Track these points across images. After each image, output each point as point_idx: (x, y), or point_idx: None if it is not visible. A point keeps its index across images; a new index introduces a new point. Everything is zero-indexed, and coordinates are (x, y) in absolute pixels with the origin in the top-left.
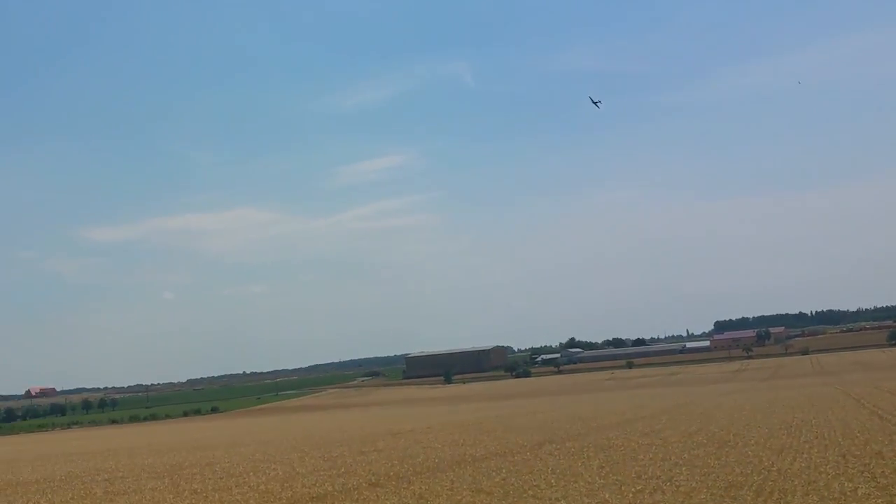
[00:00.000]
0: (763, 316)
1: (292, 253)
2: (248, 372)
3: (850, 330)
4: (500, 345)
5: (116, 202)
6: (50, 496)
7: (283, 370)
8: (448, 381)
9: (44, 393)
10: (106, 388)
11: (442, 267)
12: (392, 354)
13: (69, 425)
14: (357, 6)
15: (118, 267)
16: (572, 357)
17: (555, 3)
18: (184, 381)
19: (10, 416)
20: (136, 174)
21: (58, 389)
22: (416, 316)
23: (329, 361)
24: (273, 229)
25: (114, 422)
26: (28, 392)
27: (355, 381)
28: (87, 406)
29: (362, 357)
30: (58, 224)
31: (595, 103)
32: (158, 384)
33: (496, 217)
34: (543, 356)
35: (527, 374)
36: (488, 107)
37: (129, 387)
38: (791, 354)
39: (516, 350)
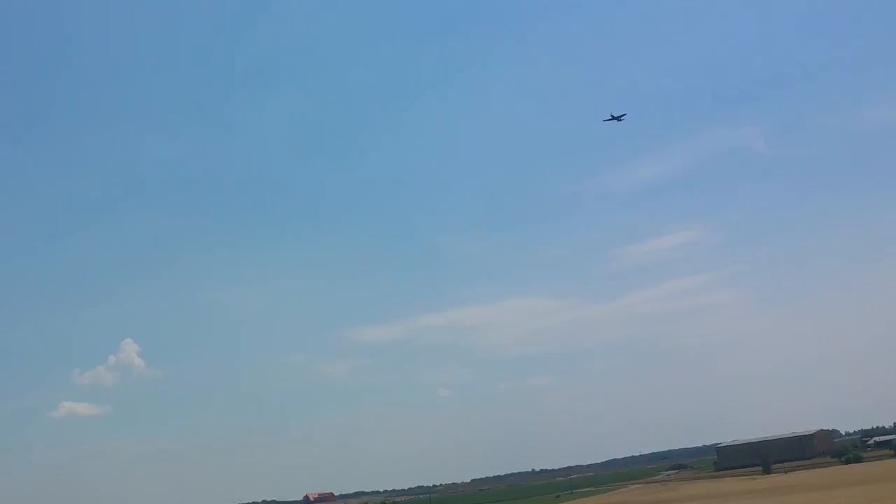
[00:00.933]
0: None
1: (575, 341)
2: (537, 469)
3: None
4: (825, 428)
5: (383, 301)
6: None
7: (576, 466)
8: (767, 470)
9: (322, 498)
10: (386, 491)
11: (750, 346)
12: (700, 445)
13: None
14: (627, 79)
15: (389, 366)
16: None
17: (848, 54)
18: (468, 480)
19: None
20: (400, 272)
21: (336, 493)
22: (725, 401)
23: (628, 455)
24: (551, 318)
25: None
26: (306, 497)
27: (660, 476)
28: None
29: (666, 449)
30: (326, 326)
31: (617, 118)
32: (441, 485)
33: (807, 288)
34: (876, 438)
35: (858, 460)
36: (784, 171)
37: (409, 489)
38: None
39: (843, 433)
